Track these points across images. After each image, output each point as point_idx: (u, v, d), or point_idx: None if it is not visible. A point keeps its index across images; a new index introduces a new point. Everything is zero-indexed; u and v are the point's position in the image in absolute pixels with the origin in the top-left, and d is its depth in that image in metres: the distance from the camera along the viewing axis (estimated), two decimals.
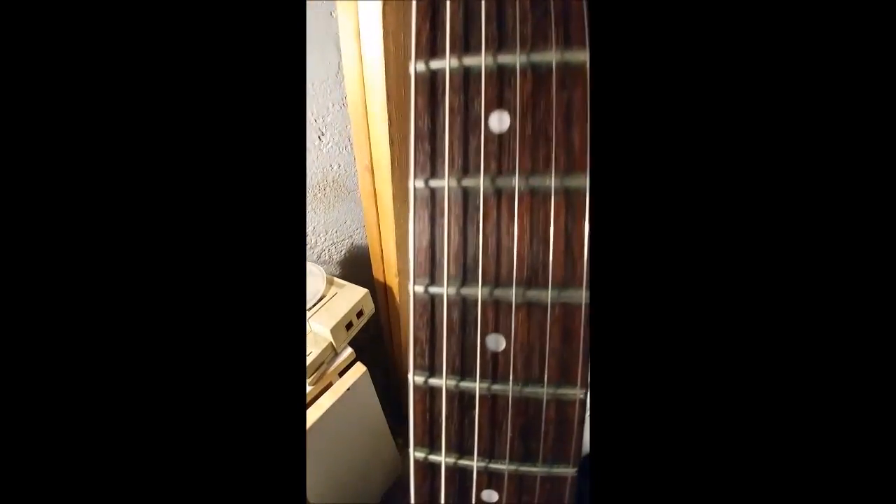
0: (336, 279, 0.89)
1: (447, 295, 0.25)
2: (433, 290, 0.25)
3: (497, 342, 0.25)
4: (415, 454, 0.27)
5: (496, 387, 0.25)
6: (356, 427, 0.84)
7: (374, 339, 1.04)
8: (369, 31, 0.68)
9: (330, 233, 0.98)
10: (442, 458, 0.26)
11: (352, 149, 0.89)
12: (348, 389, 0.78)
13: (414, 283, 0.26)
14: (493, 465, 0.26)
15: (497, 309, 0.25)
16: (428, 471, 0.27)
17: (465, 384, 0.25)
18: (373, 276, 0.97)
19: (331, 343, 0.79)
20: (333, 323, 0.78)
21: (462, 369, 0.26)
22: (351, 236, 1.01)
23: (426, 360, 0.26)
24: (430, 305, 0.26)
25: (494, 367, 0.25)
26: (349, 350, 0.83)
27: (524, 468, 0.26)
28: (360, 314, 0.83)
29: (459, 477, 0.26)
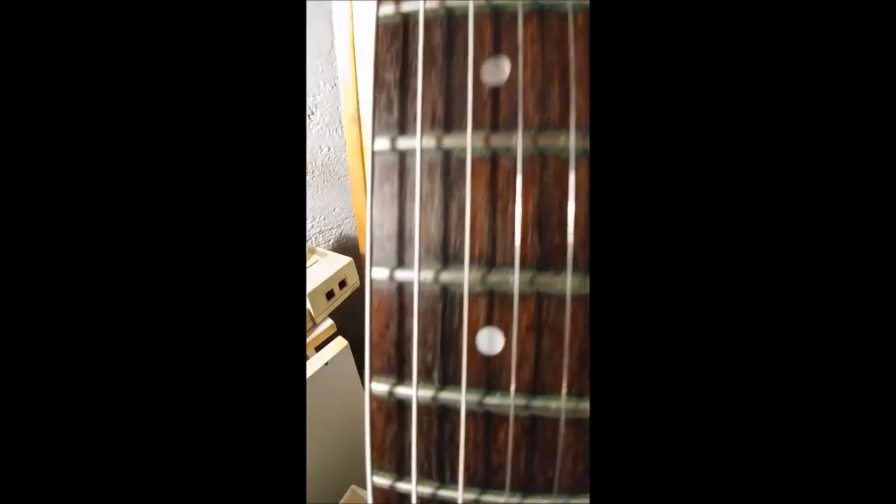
0: (318, 248, 0.83)
1: (421, 282, 0.19)
2: (401, 275, 0.19)
3: (491, 341, 0.18)
4: (374, 479, 0.21)
5: (491, 400, 0.19)
6: (333, 407, 0.78)
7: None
8: (363, 10, 0.60)
9: (317, 220, 0.91)
10: (413, 487, 0.20)
11: (342, 131, 0.82)
12: (326, 364, 0.72)
13: (372, 266, 0.19)
14: (487, 499, 0.20)
15: (491, 300, 0.18)
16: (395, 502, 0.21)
17: (446, 395, 0.19)
18: (359, 251, 0.90)
19: (308, 311, 0.73)
20: (311, 288, 0.72)
21: (443, 375, 0.19)
22: (340, 225, 0.93)
23: (390, 362, 0.20)
24: (396, 296, 0.19)
25: (489, 374, 0.19)
26: (329, 322, 0.76)
27: (531, 501, 0.20)
28: (342, 284, 0.77)
29: None
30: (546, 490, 0.20)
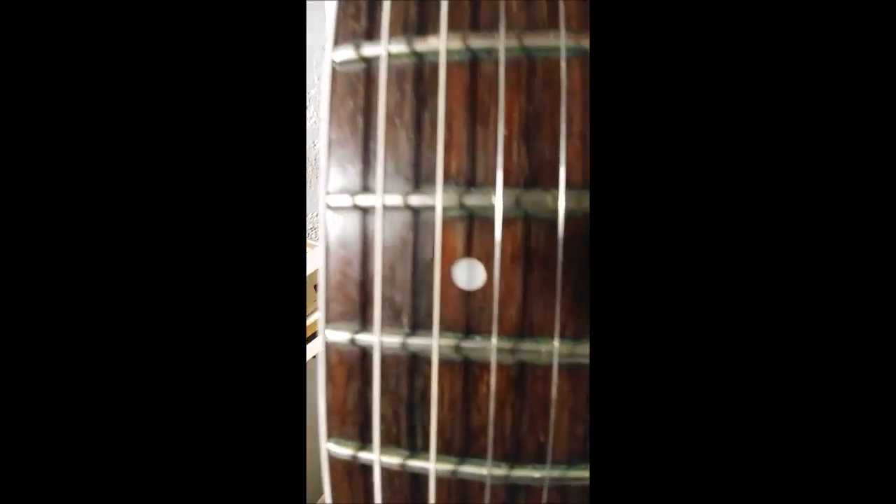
0: (310, 241, 0.80)
1: (388, 207, 0.16)
2: (364, 201, 0.16)
3: (471, 275, 0.16)
4: (330, 447, 0.18)
5: (470, 344, 0.16)
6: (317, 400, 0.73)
7: None
8: None
9: (310, 216, 0.89)
10: (375, 457, 0.17)
11: None
12: (313, 357, 0.68)
13: (328, 193, 0.17)
14: (466, 470, 0.17)
15: (470, 226, 0.16)
16: None
17: (417, 341, 0.16)
18: None
19: None
20: None
21: (413, 319, 0.16)
22: None
23: (351, 306, 0.17)
24: (359, 227, 0.16)
25: (468, 314, 0.16)
26: (314, 317, 0.73)
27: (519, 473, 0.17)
28: None
29: None
30: (538, 459, 0.16)
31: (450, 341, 0.16)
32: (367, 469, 0.17)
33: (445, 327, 0.16)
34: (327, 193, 0.17)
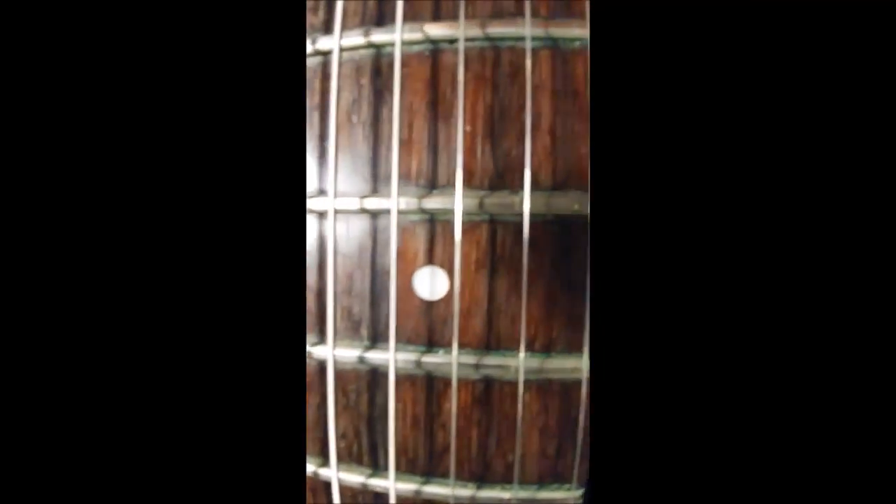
0: None
1: (342, 211, 0.15)
2: (319, 205, 0.15)
3: (433, 284, 0.15)
4: None
5: (433, 359, 0.15)
6: None
7: None
8: None
9: None
10: (333, 474, 0.16)
11: None
12: None
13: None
14: (430, 490, 0.16)
15: (432, 231, 0.14)
16: None
17: (377, 355, 0.15)
18: None
19: None
20: None
21: (373, 331, 0.15)
22: None
23: (309, 317, 0.16)
24: (316, 235, 0.15)
25: (430, 325, 0.15)
26: None
27: (486, 494, 0.15)
28: None
29: None
30: (506, 479, 0.15)
31: (410, 355, 0.15)
32: (329, 486, 0.16)
33: (406, 340, 0.15)
34: None
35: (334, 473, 0.16)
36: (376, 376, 0.15)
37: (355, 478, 0.16)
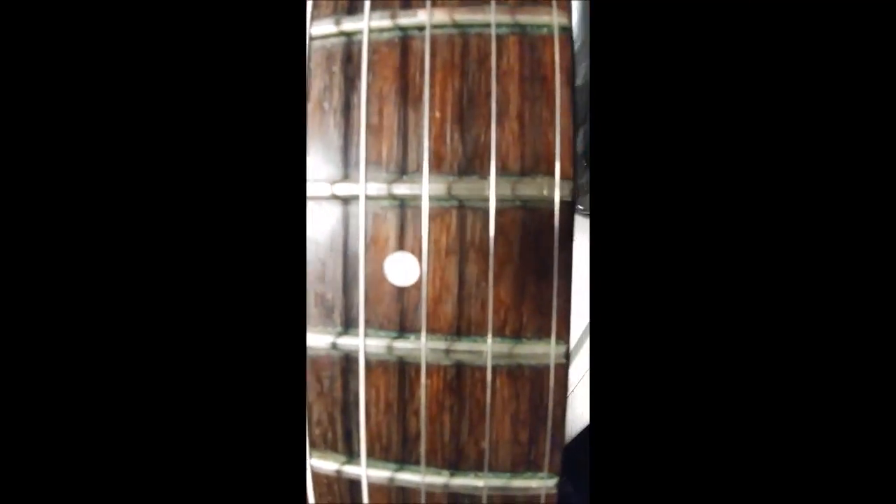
0: None
1: (314, 196, 0.15)
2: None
3: (405, 270, 0.15)
4: None
5: (404, 344, 0.15)
6: None
7: None
8: None
9: None
10: (308, 463, 0.16)
11: None
12: None
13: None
14: (403, 477, 0.16)
15: (403, 217, 0.15)
16: None
17: (348, 341, 0.15)
18: None
19: None
20: None
21: (345, 316, 0.15)
22: None
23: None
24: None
25: (402, 311, 0.15)
26: None
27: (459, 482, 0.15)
28: None
29: None
30: (479, 467, 0.15)
31: (382, 341, 0.15)
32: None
33: (378, 326, 0.15)
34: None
35: (309, 461, 0.16)
36: (349, 362, 0.15)
37: (330, 465, 0.16)
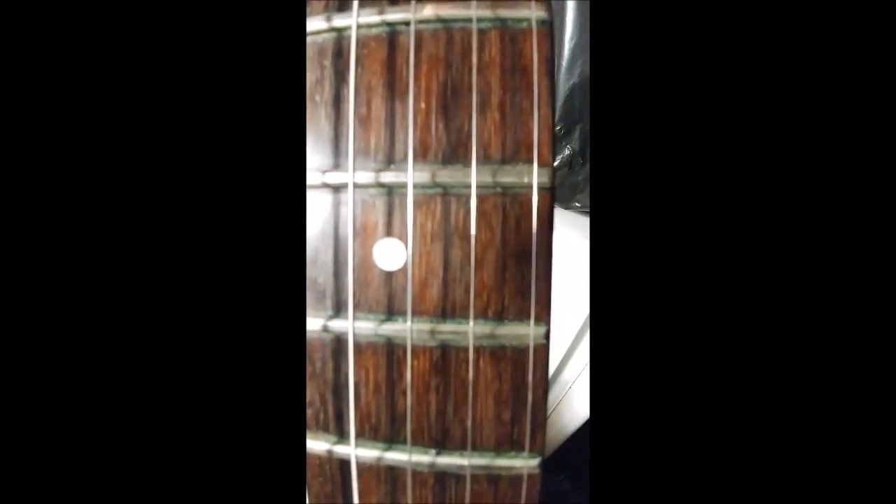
0: None
1: (308, 186, 0.16)
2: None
3: (392, 254, 0.15)
4: None
5: (391, 327, 0.15)
6: None
7: None
8: None
9: None
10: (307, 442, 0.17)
11: None
12: None
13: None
14: (392, 456, 0.16)
15: (390, 204, 0.15)
16: None
17: (339, 324, 0.16)
18: None
19: None
20: None
21: (336, 301, 0.16)
22: None
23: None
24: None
25: (390, 294, 0.15)
26: None
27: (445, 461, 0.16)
28: None
29: None
30: (464, 446, 0.16)
31: (371, 324, 0.16)
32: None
33: (367, 309, 0.16)
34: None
35: (305, 443, 0.17)
36: (340, 344, 0.16)
37: (321, 445, 0.17)
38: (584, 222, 0.49)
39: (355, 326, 0.16)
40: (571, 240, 0.49)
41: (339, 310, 0.16)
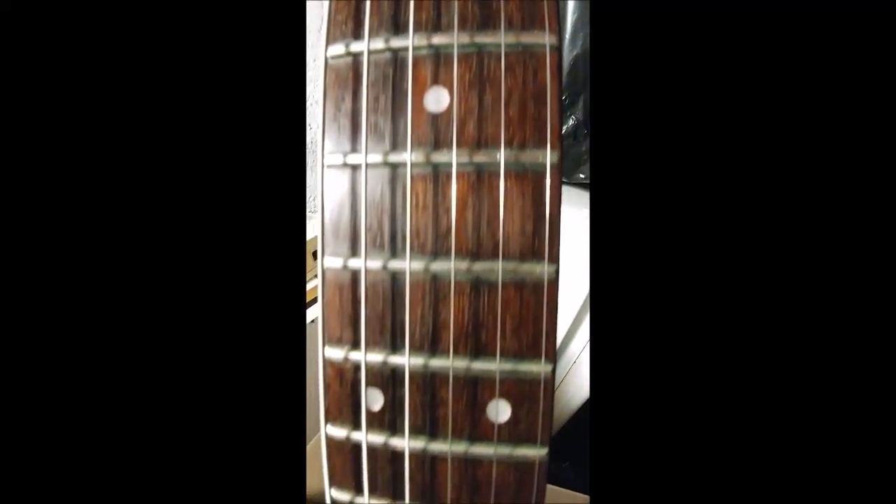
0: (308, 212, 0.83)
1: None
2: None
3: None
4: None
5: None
6: (311, 360, 0.75)
7: None
8: None
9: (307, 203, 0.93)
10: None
11: None
12: (311, 322, 0.71)
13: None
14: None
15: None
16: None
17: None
18: None
19: None
20: None
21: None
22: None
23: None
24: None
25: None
26: (315, 283, 0.76)
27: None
28: None
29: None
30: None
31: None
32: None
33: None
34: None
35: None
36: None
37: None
38: (586, 198, 0.53)
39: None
40: (578, 217, 0.54)
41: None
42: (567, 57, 0.52)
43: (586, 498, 0.41)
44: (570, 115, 0.54)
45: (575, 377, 0.56)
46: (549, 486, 0.22)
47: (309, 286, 0.75)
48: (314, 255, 0.76)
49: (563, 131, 0.50)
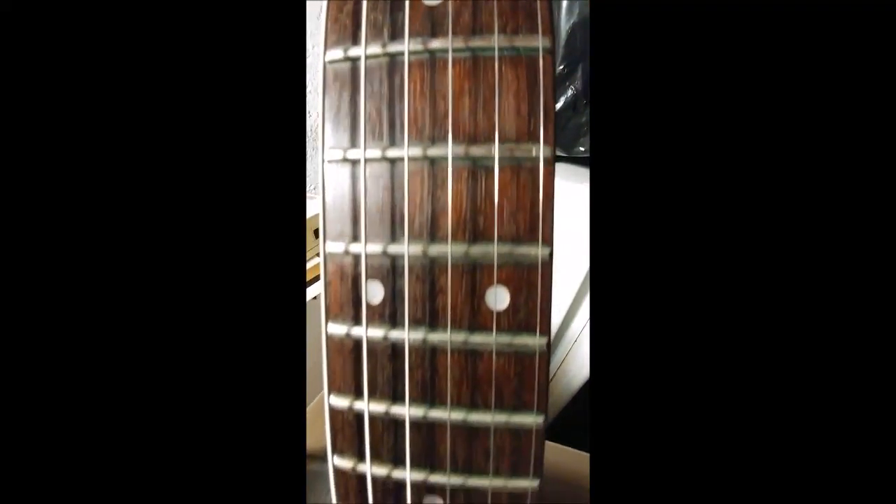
0: (308, 191, 0.84)
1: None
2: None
3: None
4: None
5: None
6: (312, 338, 0.74)
7: None
8: None
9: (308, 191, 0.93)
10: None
11: None
12: (314, 298, 0.71)
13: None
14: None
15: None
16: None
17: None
18: None
19: None
20: None
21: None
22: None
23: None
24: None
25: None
26: (317, 261, 0.75)
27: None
28: None
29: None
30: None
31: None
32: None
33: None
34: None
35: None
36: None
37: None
38: (586, 175, 0.54)
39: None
40: (578, 191, 0.54)
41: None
42: (564, 26, 0.54)
43: (586, 455, 0.40)
44: (570, 86, 0.55)
45: (576, 357, 0.55)
46: (549, 443, 0.22)
47: (309, 265, 0.75)
48: (315, 233, 0.77)
49: (561, 104, 0.51)
